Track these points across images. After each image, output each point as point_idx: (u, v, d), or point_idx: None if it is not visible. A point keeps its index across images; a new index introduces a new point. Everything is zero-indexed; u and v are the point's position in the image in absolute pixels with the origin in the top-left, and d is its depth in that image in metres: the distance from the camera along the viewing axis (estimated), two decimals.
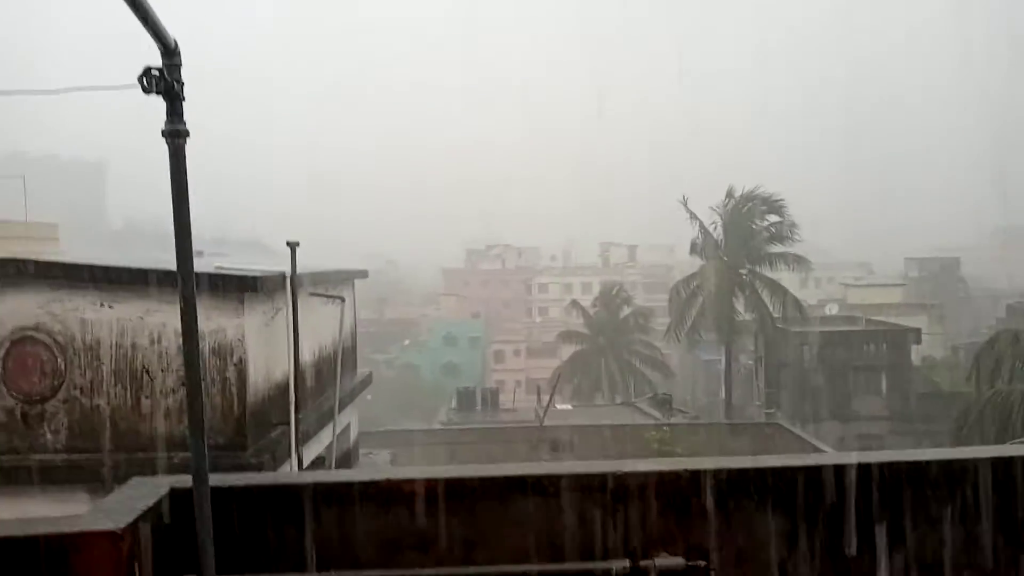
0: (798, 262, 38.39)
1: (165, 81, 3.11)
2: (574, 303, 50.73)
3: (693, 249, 40.19)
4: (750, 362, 44.29)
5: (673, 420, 27.00)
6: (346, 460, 10.75)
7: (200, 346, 7.55)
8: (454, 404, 41.22)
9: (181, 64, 3.20)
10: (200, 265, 8.96)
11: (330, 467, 9.41)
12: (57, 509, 7.66)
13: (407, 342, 73.92)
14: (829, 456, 8.68)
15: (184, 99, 3.25)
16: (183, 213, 3.31)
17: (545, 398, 27.61)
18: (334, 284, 10.83)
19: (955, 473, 3.62)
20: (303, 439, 8.58)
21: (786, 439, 25.59)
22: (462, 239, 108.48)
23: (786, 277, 39.86)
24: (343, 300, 10.40)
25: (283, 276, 8.45)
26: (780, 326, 37.85)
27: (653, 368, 44.83)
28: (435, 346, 69.96)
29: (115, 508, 3.32)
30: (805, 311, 39.44)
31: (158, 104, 3.68)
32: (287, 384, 8.57)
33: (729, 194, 38.82)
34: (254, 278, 7.56)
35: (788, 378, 37.75)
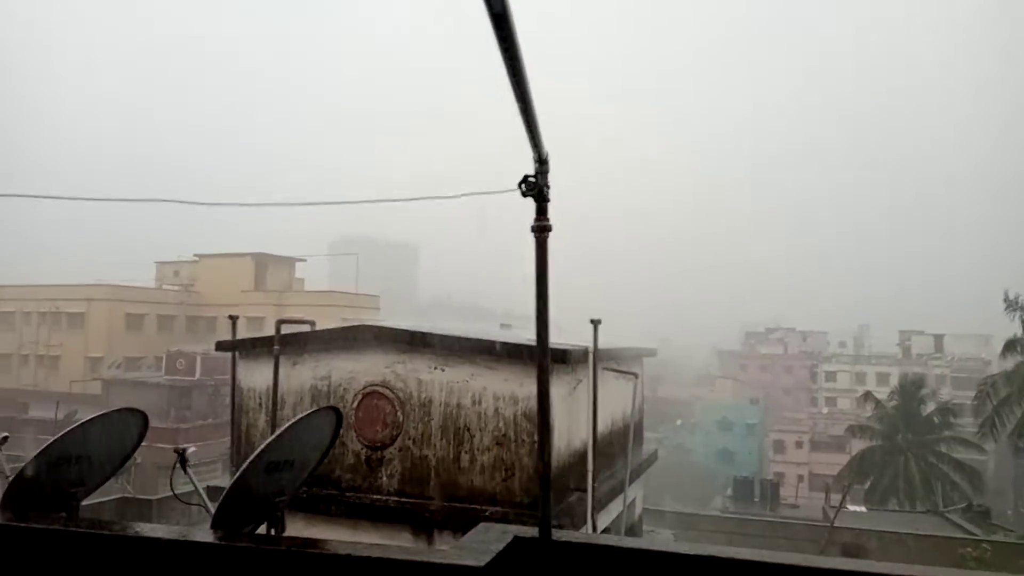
0: None
1: (537, 186, 3.73)
2: (868, 395, 46.24)
3: (1009, 348, 34.88)
4: None
5: (994, 537, 23.26)
6: (631, 534, 10.91)
7: (515, 409, 8.32)
8: (730, 492, 39.44)
9: (548, 171, 3.81)
10: (508, 336, 9.89)
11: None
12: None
13: (679, 423, 72.34)
14: None
15: (550, 200, 3.85)
16: (544, 295, 3.86)
17: (835, 496, 25.28)
18: (627, 360, 11.24)
19: None
20: (597, 507, 8.93)
21: None
22: (740, 320, 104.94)
23: None
24: (636, 376, 10.76)
25: (585, 350, 9.00)
26: None
27: (962, 474, 39.11)
28: (709, 430, 67.63)
29: (473, 548, 3.85)
30: None
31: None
32: (584, 453, 9.03)
33: None
34: (563, 350, 8.18)
35: None
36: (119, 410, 4.58)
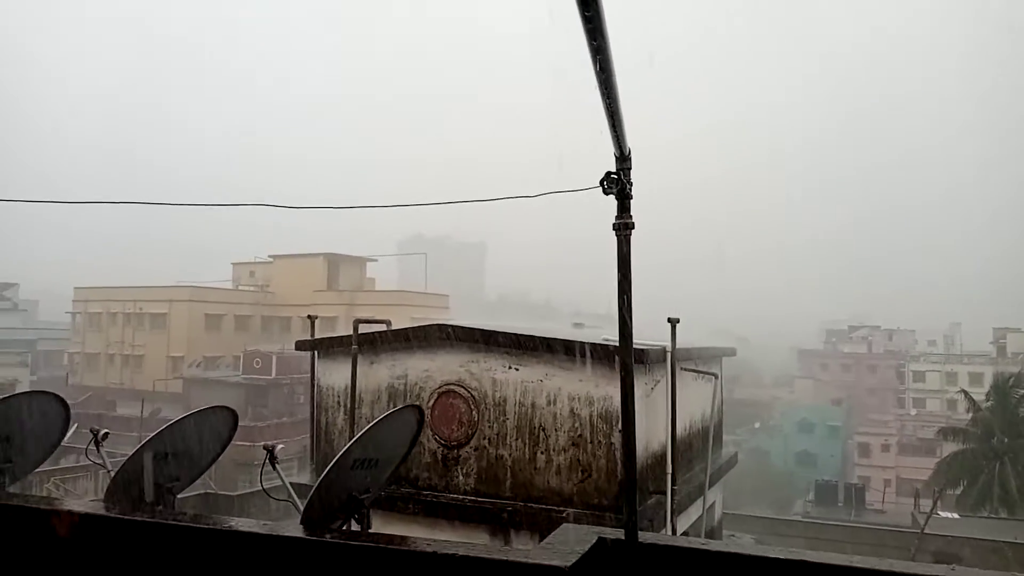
0: None
1: (620, 183, 3.67)
2: (965, 393, 44.07)
3: None
4: None
5: None
6: (711, 538, 10.69)
7: (591, 410, 8.26)
8: (811, 496, 38.37)
9: (631, 168, 3.74)
10: (582, 335, 9.82)
11: None
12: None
13: (757, 425, 70.64)
14: None
15: (632, 198, 3.78)
16: (626, 294, 3.79)
17: (925, 501, 24.19)
18: (705, 360, 11.02)
19: None
20: (676, 510, 8.78)
21: None
22: (821, 318, 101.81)
23: None
24: (716, 377, 10.53)
25: (663, 350, 8.86)
26: None
27: None
28: (788, 432, 65.79)
29: (556, 548, 3.82)
30: None
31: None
32: (663, 454, 8.89)
33: None
34: (641, 350, 8.06)
35: None
36: (211, 408, 4.74)
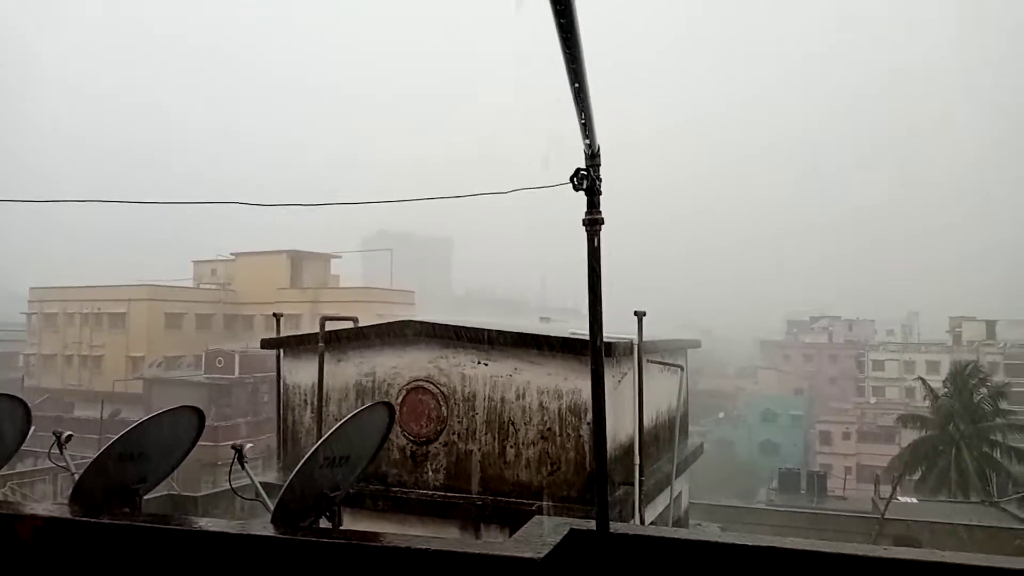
0: None
1: (589, 179, 3.71)
2: (923, 381, 45.18)
3: None
4: None
5: None
6: (679, 527, 10.83)
7: (560, 403, 8.31)
8: (775, 485, 39.02)
9: (600, 165, 3.78)
10: (549, 330, 9.87)
11: None
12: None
13: (721, 415, 71.64)
14: None
15: (601, 193, 3.82)
16: (596, 289, 3.83)
17: (885, 488, 24.78)
18: (671, 352, 11.15)
19: None
20: (644, 500, 8.88)
21: None
22: (783, 309, 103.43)
23: None
24: (682, 368, 10.66)
25: (630, 343, 8.94)
26: None
27: (1019, 463, 38.10)
28: (752, 422, 66.84)
29: (529, 540, 3.85)
30: None
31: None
32: (630, 446, 8.99)
33: None
34: (608, 343, 8.12)
35: None
36: (177, 408, 4.68)
